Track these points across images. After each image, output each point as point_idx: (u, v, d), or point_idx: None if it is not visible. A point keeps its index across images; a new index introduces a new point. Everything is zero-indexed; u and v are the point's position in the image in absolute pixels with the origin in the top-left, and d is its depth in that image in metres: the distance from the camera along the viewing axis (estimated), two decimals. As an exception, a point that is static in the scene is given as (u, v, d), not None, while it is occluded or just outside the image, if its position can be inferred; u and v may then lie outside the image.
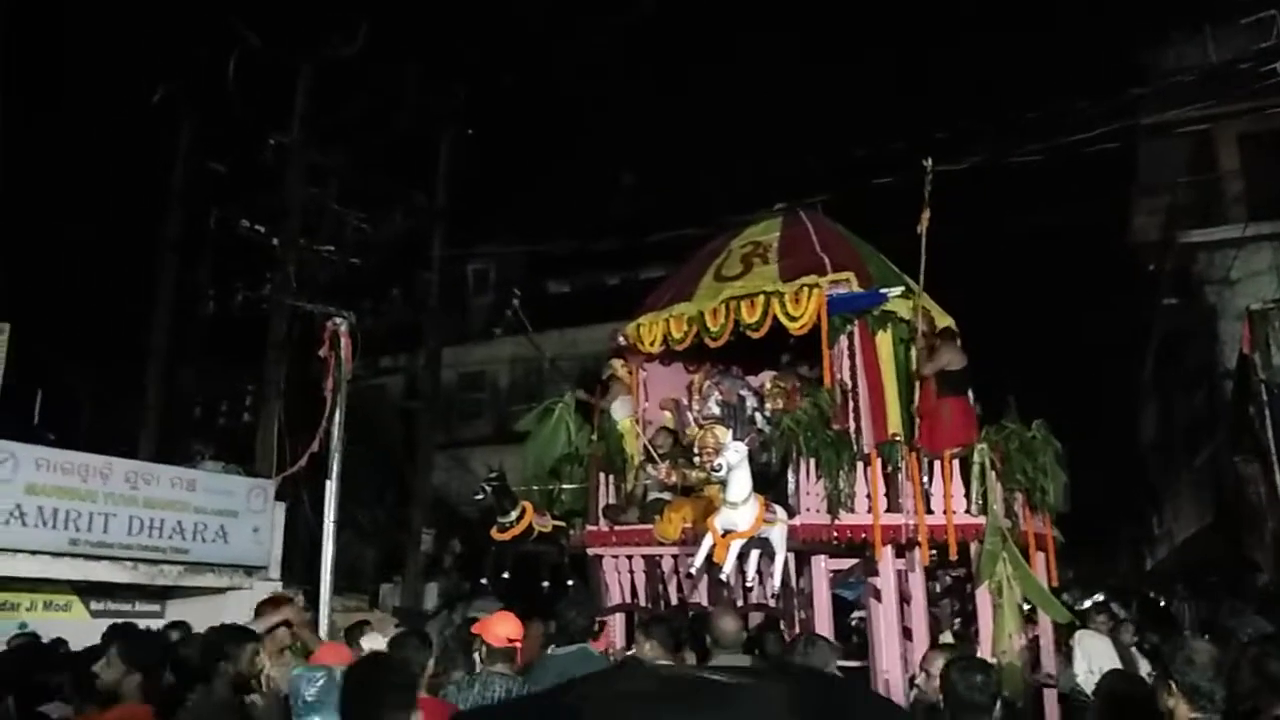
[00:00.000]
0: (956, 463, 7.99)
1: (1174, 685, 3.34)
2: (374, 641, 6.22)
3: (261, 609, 5.82)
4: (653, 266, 19.88)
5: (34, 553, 8.59)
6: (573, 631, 5.17)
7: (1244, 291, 13.92)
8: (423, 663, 4.42)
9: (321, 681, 3.98)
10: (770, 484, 7.69)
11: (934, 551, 7.88)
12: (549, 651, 5.34)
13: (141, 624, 7.00)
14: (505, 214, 23.20)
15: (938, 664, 4.30)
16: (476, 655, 4.94)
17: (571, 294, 23.41)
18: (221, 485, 10.32)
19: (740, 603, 7.67)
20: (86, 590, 9.50)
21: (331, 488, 10.30)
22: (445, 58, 16.48)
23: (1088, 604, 14.84)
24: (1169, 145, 17.13)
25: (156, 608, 9.97)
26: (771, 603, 7.72)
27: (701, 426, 9.36)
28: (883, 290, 8.47)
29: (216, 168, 14.44)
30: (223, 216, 13.33)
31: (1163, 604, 14.10)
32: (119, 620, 6.77)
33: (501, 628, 4.84)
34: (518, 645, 4.80)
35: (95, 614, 9.58)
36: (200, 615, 8.07)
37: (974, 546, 7.93)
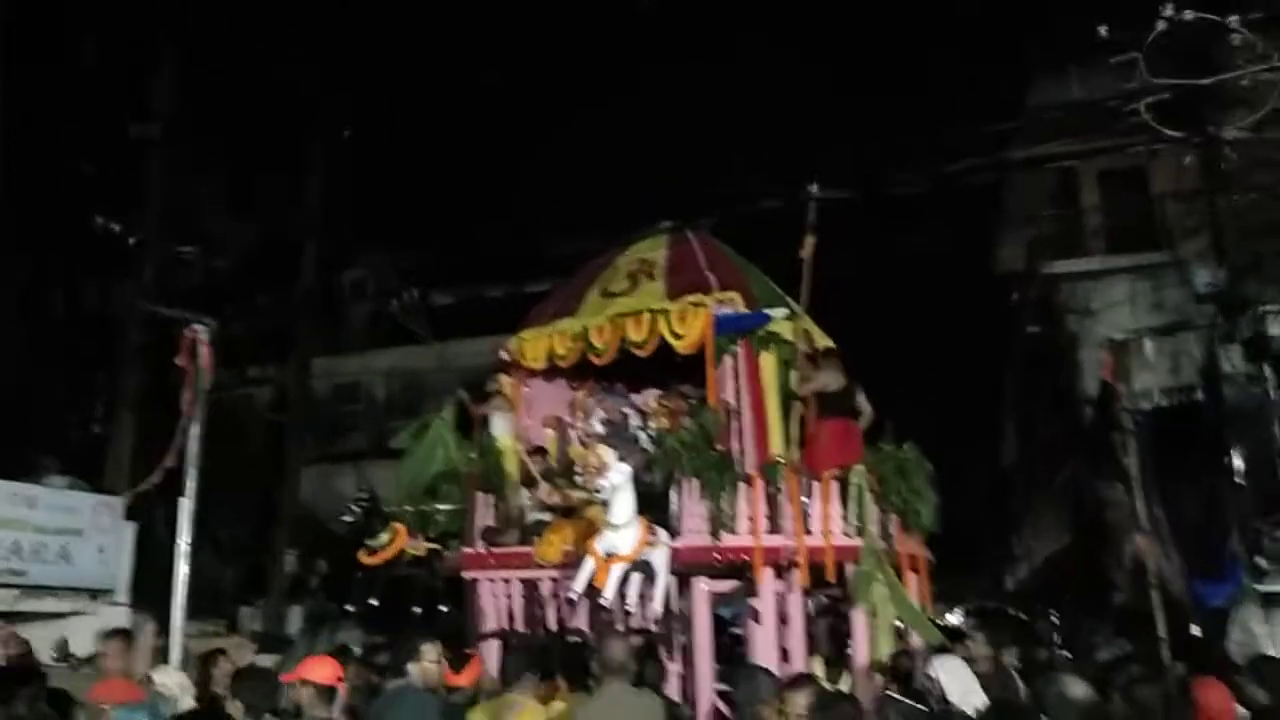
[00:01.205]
0: (836, 484, 8.06)
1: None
2: (163, 674, 5.93)
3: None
4: (538, 280, 19.66)
5: None
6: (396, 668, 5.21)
7: (1103, 320, 14.67)
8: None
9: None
10: (654, 504, 7.58)
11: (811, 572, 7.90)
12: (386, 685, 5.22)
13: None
14: (386, 221, 22.56)
15: (798, 703, 4.21)
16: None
17: (453, 306, 22.91)
18: (65, 502, 9.57)
19: (620, 628, 7.51)
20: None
21: (187, 506, 9.65)
22: (331, 54, 15.89)
23: (952, 619, 15.32)
24: (1034, 179, 18.00)
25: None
26: (653, 627, 7.58)
27: (585, 445, 9.20)
28: (767, 311, 8.49)
29: (76, 161, 13.49)
30: (77, 210, 12.44)
31: (1025, 621, 14.67)
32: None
33: (314, 671, 4.82)
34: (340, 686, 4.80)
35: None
36: (40, 641, 7.42)
37: (850, 568, 8.00)
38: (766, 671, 5.10)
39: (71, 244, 13.56)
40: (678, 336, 8.47)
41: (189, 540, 9.54)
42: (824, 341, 9.10)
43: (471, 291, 23.22)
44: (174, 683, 5.46)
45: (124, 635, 5.39)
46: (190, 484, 9.63)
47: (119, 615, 9.69)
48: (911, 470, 8.34)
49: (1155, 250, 15.90)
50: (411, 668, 5.17)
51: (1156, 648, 8.05)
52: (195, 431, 9.64)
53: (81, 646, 8.23)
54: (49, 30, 13.95)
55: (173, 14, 13.36)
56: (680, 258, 9.25)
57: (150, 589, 11.09)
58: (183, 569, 9.54)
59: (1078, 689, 3.45)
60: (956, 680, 6.08)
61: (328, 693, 4.67)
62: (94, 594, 9.58)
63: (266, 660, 8.56)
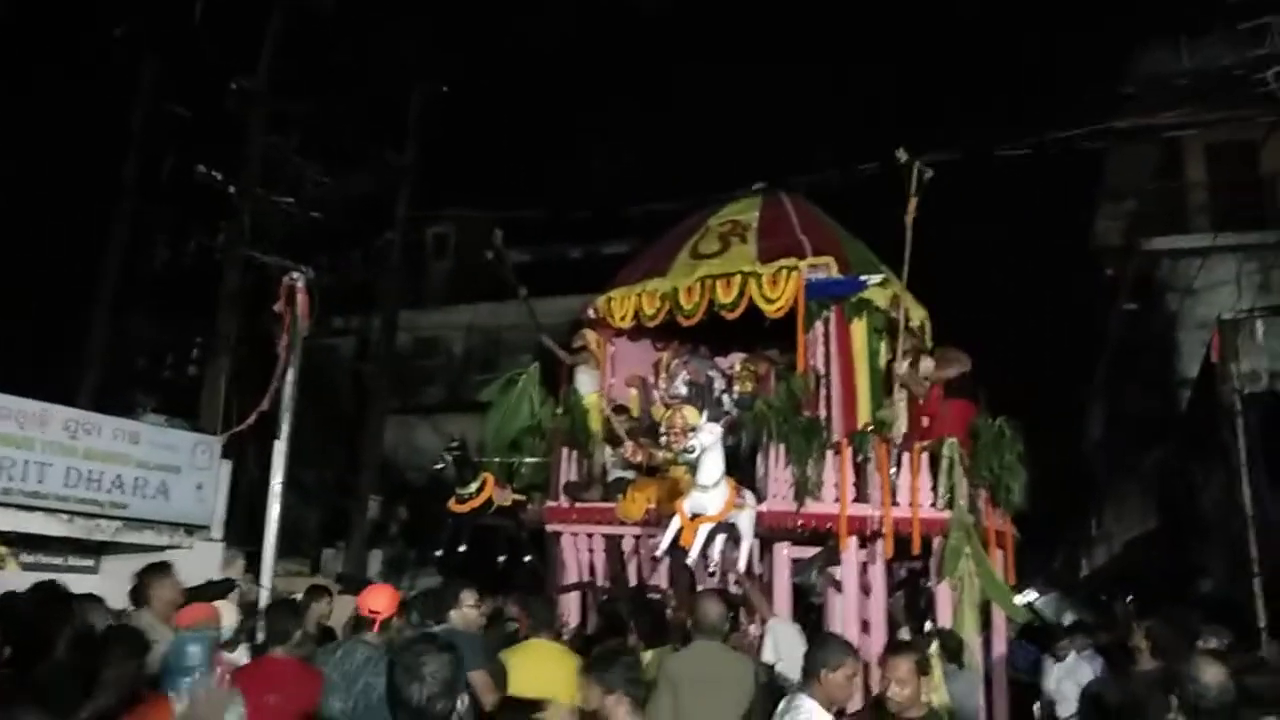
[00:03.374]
0: (925, 456, 7.92)
1: (1176, 701, 3.24)
2: (228, 611, 6.19)
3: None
4: (618, 241, 19.64)
5: (-36, 501, 8.14)
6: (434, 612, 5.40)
7: (1206, 300, 14.07)
8: (290, 629, 4.72)
9: (199, 651, 4.24)
10: (738, 468, 7.55)
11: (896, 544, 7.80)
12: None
13: (74, 579, 6.69)
14: (471, 178, 22.75)
15: (903, 669, 4.12)
16: None
17: (534, 264, 23.00)
18: (165, 440, 9.88)
19: (700, 587, 7.54)
20: (17, 542, 9.05)
21: (280, 448, 9.93)
22: (425, 13, 15.96)
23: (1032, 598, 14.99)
24: (1136, 151, 17.28)
25: (90, 563, 9.55)
26: (734, 589, 7.58)
27: (669, 406, 9.20)
28: (862, 278, 8.34)
29: (177, 110, 13.80)
30: (180, 162, 12.75)
31: (1103, 604, 14.33)
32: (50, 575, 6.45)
33: (368, 598, 5.05)
34: (377, 616, 4.94)
35: (26, 567, 9.14)
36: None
37: (937, 541, 7.89)
38: (836, 637, 5.04)
39: (173, 192, 13.93)
40: (768, 300, 8.40)
41: (281, 483, 9.88)
42: (918, 311, 8.92)
43: (550, 251, 23.31)
44: (226, 620, 5.74)
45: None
46: (284, 427, 9.93)
47: (213, 551, 10.05)
48: (1004, 446, 8.15)
49: (1264, 229, 15.16)
50: (453, 614, 5.32)
51: (1254, 637, 7.79)
52: (290, 376, 9.92)
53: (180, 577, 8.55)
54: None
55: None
56: (773, 220, 9.14)
57: (240, 527, 11.51)
58: (275, 509, 9.88)
59: (1212, 671, 3.34)
60: (778, 645, 6.02)
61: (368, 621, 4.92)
62: (190, 529, 9.91)
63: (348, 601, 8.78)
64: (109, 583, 7.52)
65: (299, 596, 7.17)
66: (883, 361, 8.37)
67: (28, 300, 14.93)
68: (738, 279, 8.50)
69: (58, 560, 9.37)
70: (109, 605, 5.52)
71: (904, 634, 7.46)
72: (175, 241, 13.78)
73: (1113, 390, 22.29)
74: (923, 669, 4.38)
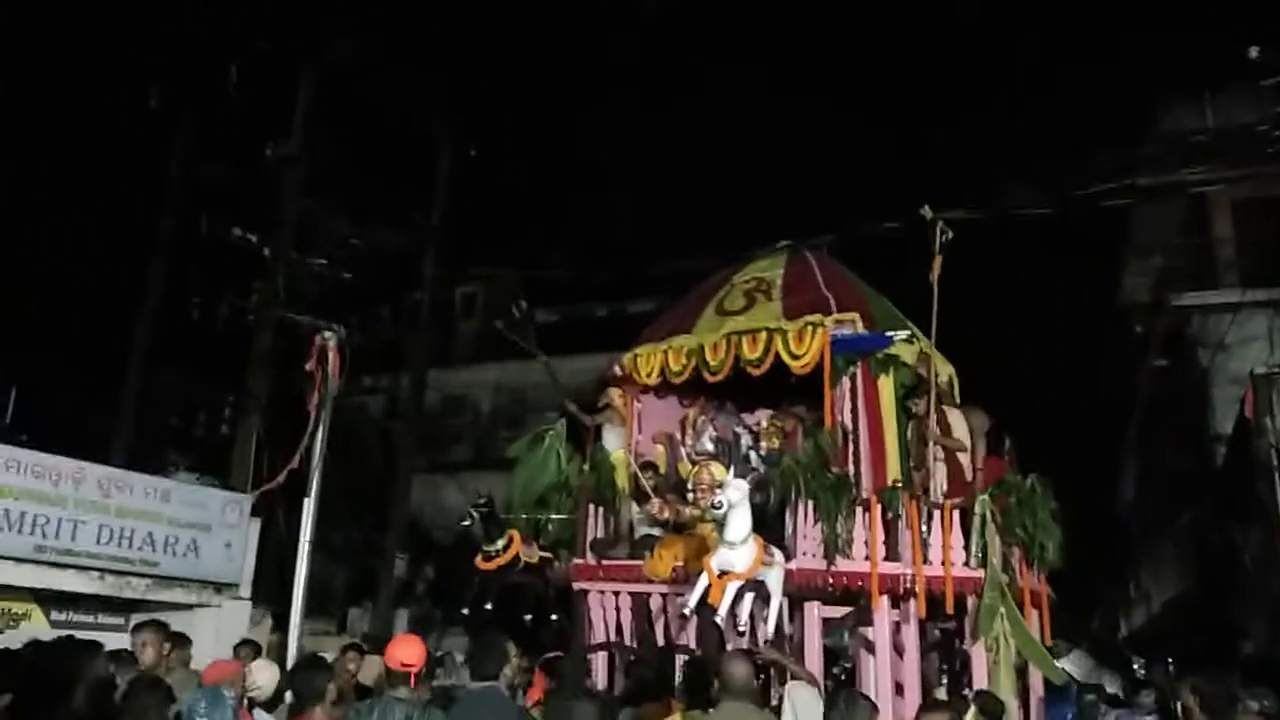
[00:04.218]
0: (956, 513, 7.84)
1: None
2: (260, 668, 6.05)
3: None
4: (643, 300, 19.79)
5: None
6: (481, 672, 5.13)
7: (1238, 355, 13.91)
8: (320, 688, 4.60)
9: (204, 702, 4.21)
10: (765, 525, 7.49)
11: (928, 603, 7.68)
12: (466, 686, 5.36)
13: (104, 637, 6.71)
14: (498, 238, 23.07)
15: None
16: None
17: (560, 323, 23.22)
18: (196, 498, 9.96)
19: (729, 646, 7.44)
20: (49, 599, 9.11)
21: (309, 507, 9.98)
22: (450, 74, 16.37)
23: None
24: (1163, 208, 17.26)
25: (120, 620, 9.56)
26: (763, 649, 7.47)
27: (696, 463, 9.17)
28: (888, 334, 8.34)
29: (211, 174, 14.19)
30: (215, 223, 13.06)
31: (1150, 667, 13.96)
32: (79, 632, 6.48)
33: (399, 651, 4.91)
34: (411, 669, 4.80)
35: (55, 624, 9.18)
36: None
37: (971, 600, 7.76)
38: (865, 698, 4.95)
39: (208, 253, 14.26)
40: (794, 356, 8.40)
41: (310, 541, 9.91)
42: (946, 368, 8.89)
43: (576, 310, 23.52)
44: (265, 679, 5.64)
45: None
46: (313, 485, 9.99)
47: (241, 609, 10.05)
48: (1037, 504, 8.05)
49: (1295, 285, 15.02)
50: (507, 670, 5.25)
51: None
52: (320, 435, 10.01)
53: (204, 639, 8.54)
54: (189, 49, 14.77)
55: (308, 34, 13.99)
56: (798, 277, 9.19)
57: (268, 585, 11.52)
58: (303, 568, 9.89)
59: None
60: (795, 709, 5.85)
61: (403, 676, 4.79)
62: (219, 587, 9.93)
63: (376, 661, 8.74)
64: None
65: (328, 655, 7.12)
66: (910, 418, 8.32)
67: (63, 359, 15.21)
68: (763, 335, 8.52)
69: (88, 618, 9.41)
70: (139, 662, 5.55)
71: (940, 695, 7.31)
72: (209, 301, 14.02)
73: (1146, 448, 21.98)
74: None
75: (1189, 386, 16.20)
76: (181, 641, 6.36)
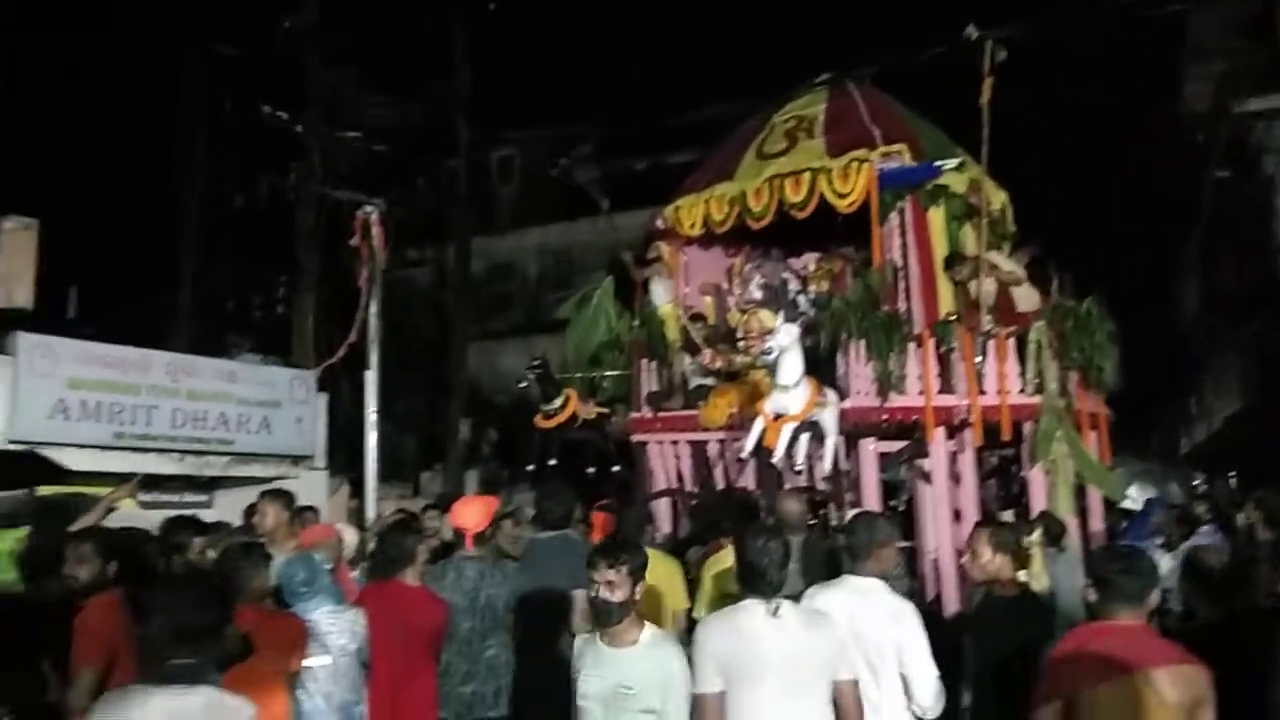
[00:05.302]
0: (1011, 342, 7.79)
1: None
2: (350, 531, 6.32)
3: None
4: (682, 150, 19.33)
5: (81, 446, 8.61)
6: (551, 520, 5.24)
7: (1306, 161, 13.29)
8: (411, 549, 4.65)
9: (302, 572, 4.21)
10: (818, 367, 7.54)
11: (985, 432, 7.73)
12: (534, 536, 5.43)
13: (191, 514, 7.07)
14: (530, 99, 22.52)
15: (975, 542, 4.20)
16: None
17: (598, 180, 22.89)
18: (263, 376, 10.30)
19: (787, 486, 7.62)
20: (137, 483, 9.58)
21: (371, 378, 10.27)
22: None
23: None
24: (1225, 9, 16.22)
25: (204, 498, 10.06)
26: (821, 486, 7.65)
27: (744, 311, 9.18)
28: (937, 163, 8.09)
29: (232, 54, 13.94)
30: (245, 106, 12.93)
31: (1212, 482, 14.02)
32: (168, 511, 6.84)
33: (456, 514, 5.09)
34: (466, 531, 4.97)
35: (144, 506, 9.69)
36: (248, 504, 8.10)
37: (1028, 427, 7.79)
38: (883, 517, 5.08)
39: (244, 137, 14.19)
40: (839, 195, 8.22)
41: (375, 410, 10.24)
42: (998, 195, 8.65)
43: (615, 165, 23.10)
44: (350, 540, 5.93)
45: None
46: (373, 358, 10.26)
47: (318, 479, 10.51)
48: (1093, 326, 7.95)
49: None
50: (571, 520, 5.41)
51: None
52: (374, 308, 10.20)
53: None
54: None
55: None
56: (840, 112, 8.89)
57: (340, 456, 11.99)
58: (372, 437, 10.28)
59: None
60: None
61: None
62: (295, 460, 10.38)
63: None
64: (224, 515, 7.92)
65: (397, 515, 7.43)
66: (964, 249, 8.15)
67: (118, 253, 15.49)
68: (807, 176, 8.33)
69: (173, 497, 9.89)
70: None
71: (1007, 518, 7.44)
72: (250, 184, 14.06)
73: (1207, 261, 21.37)
74: (1016, 552, 4.40)
75: (1252, 197, 15.59)
76: (304, 512, 6.65)
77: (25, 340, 8.36)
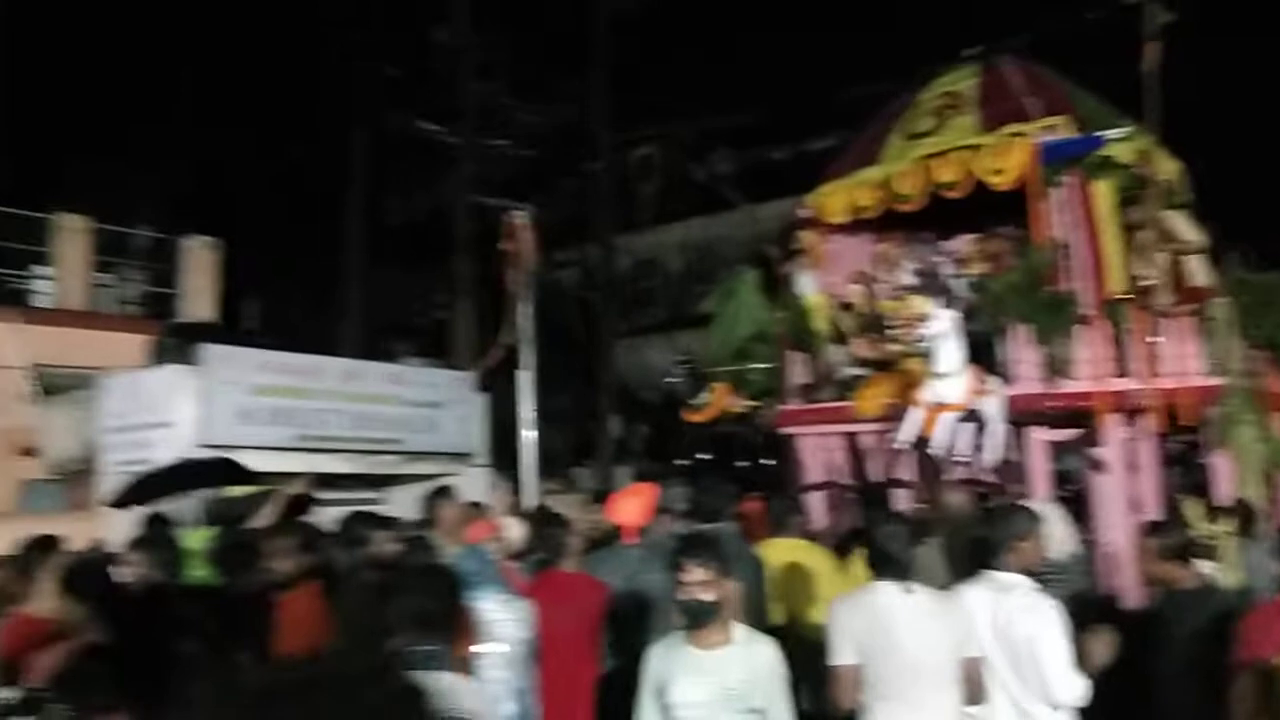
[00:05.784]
0: (1189, 320, 7.30)
1: None
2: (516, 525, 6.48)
3: None
4: (824, 136, 19.02)
5: (265, 449, 9.23)
6: (707, 513, 5.26)
7: None
8: (564, 541, 4.88)
9: (473, 562, 4.41)
10: (978, 353, 7.27)
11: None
12: (690, 529, 5.41)
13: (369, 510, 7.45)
14: (668, 96, 22.67)
15: (1149, 553, 4.02)
16: None
17: (739, 172, 22.81)
18: (426, 379, 10.81)
19: (947, 478, 7.39)
20: (314, 482, 10.20)
21: (525, 377, 10.57)
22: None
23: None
24: None
25: (377, 496, 10.63)
26: (986, 478, 7.39)
27: (896, 298, 8.94)
28: (1100, 134, 7.65)
29: (394, 74, 14.62)
30: (402, 122, 13.56)
31: None
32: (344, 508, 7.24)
33: (616, 511, 5.17)
34: (624, 524, 5.02)
35: (322, 504, 10.29)
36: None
37: (1210, 410, 7.28)
38: (1024, 508, 4.84)
39: (402, 152, 14.89)
40: (995, 173, 7.88)
41: (532, 409, 10.53)
42: (1170, 165, 8.11)
43: (754, 156, 22.96)
44: (515, 533, 6.09)
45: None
46: (527, 358, 10.55)
47: (481, 476, 10.93)
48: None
49: None
50: (727, 513, 5.41)
51: None
52: (526, 310, 10.49)
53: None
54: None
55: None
56: (993, 86, 8.53)
57: (498, 453, 12.41)
58: (528, 434, 10.58)
59: None
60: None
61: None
62: (458, 457, 10.83)
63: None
64: (396, 512, 8.31)
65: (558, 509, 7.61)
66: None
67: (291, 270, 16.54)
68: (958, 155, 8.04)
69: (349, 496, 10.50)
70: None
71: (1193, 508, 7.00)
72: (407, 198, 14.73)
73: None
74: (1187, 553, 4.22)
75: None
76: (474, 508, 6.98)
77: (212, 351, 9.03)
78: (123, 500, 7.60)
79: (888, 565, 3.58)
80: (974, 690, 3.48)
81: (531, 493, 10.36)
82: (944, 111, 8.56)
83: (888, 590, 3.53)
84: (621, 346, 18.52)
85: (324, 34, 15.46)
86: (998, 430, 7.02)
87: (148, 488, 7.57)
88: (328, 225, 15.33)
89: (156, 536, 5.53)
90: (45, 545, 4.96)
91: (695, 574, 3.17)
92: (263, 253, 15.52)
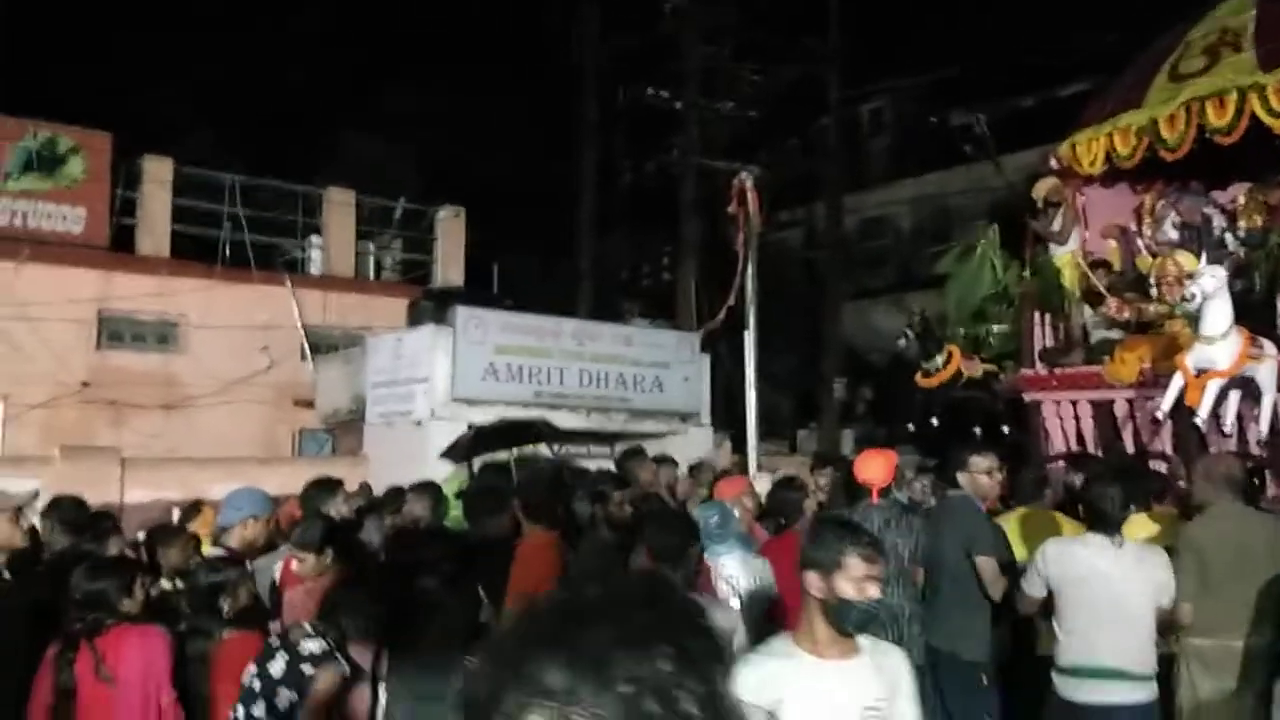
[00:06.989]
0: None
1: None
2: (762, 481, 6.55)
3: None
4: (1074, 81, 17.61)
5: (508, 404, 9.84)
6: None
7: None
8: (798, 504, 5.07)
9: (717, 516, 4.43)
10: (1251, 315, 6.59)
11: None
12: (946, 493, 5.29)
13: (594, 465, 7.84)
14: (901, 45, 21.73)
15: None
16: None
17: (980, 123, 21.52)
18: (654, 339, 11.09)
19: (1212, 450, 6.76)
20: (548, 436, 10.77)
21: (749, 339, 10.62)
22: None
23: None
24: None
25: (606, 450, 11.07)
26: (1256, 451, 6.71)
27: (1158, 254, 8.25)
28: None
29: (624, 42, 14.94)
30: (631, 88, 13.84)
31: None
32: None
33: (861, 467, 5.08)
34: (873, 485, 4.92)
35: (557, 458, 10.85)
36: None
37: None
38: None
39: (630, 118, 15.23)
40: (1276, 114, 7.06)
41: (754, 369, 10.59)
42: None
43: (999, 106, 21.57)
44: (762, 489, 6.16)
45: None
46: (751, 319, 10.60)
47: (704, 435, 11.13)
48: None
49: None
50: (961, 477, 5.17)
51: None
52: (750, 271, 10.51)
53: (680, 460, 9.60)
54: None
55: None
56: (1272, 20, 7.60)
57: (721, 413, 12.57)
58: (751, 395, 10.65)
59: None
60: None
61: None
62: (683, 417, 11.07)
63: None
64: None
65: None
66: None
67: (528, 235, 17.40)
68: (1233, 95, 7.24)
69: (581, 450, 11.01)
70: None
71: None
72: (637, 162, 15.07)
73: None
74: None
75: None
76: (699, 468, 7.28)
77: (462, 313, 9.70)
78: (459, 453, 8.29)
79: (1101, 521, 3.95)
80: (1166, 632, 3.97)
81: (754, 454, 10.47)
82: (1217, 49, 7.74)
83: (1095, 541, 3.94)
84: (848, 308, 18.16)
85: (552, 4, 16.03)
86: (1271, 400, 6.34)
87: (480, 442, 8.25)
88: (564, 193, 15.96)
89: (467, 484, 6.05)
90: (326, 486, 5.47)
91: (872, 569, 2.59)
92: (505, 220, 16.42)
